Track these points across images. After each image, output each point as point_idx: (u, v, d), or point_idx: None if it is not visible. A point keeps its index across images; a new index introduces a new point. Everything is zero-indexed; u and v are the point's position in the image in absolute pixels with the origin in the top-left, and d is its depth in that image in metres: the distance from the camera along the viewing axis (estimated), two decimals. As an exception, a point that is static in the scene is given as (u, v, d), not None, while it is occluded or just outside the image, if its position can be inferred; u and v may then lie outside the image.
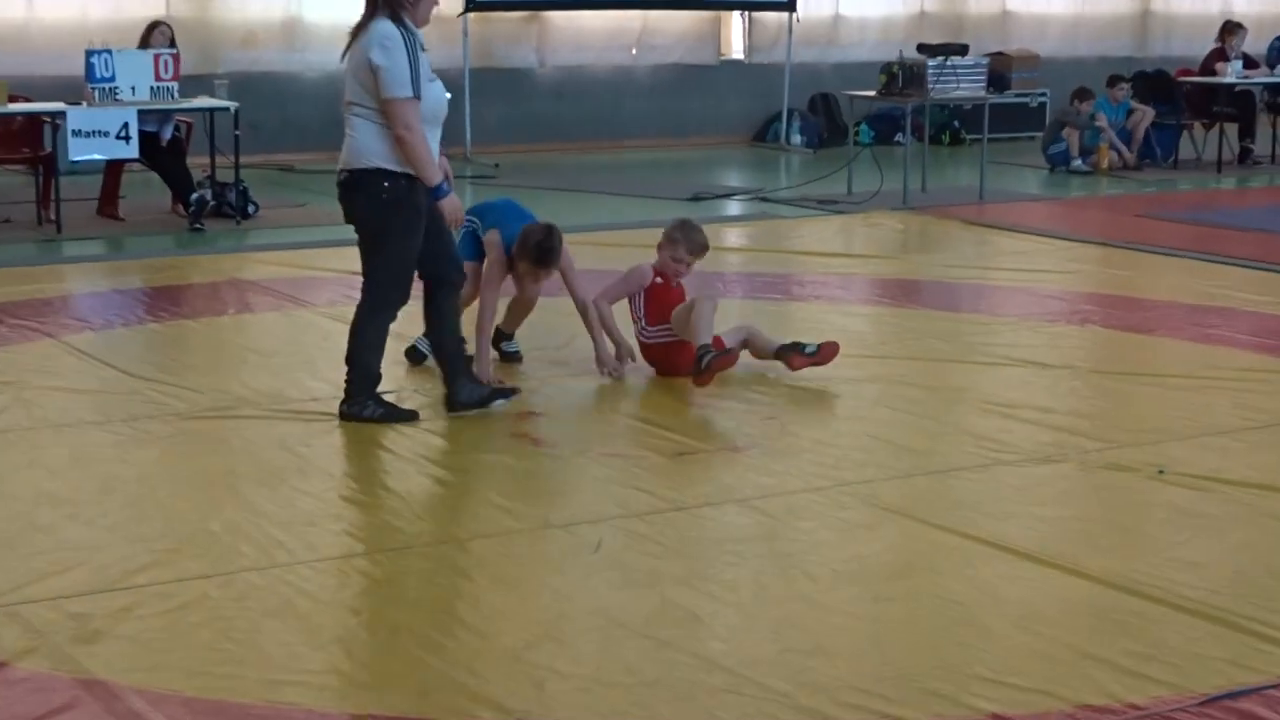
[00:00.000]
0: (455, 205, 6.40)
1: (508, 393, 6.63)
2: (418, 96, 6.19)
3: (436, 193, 6.29)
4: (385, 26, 6.20)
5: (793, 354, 7.08)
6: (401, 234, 6.34)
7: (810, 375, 7.17)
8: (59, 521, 5.26)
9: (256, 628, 4.40)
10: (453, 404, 6.54)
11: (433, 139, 6.35)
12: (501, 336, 7.48)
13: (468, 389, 6.53)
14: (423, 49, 6.30)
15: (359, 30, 6.29)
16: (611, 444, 6.28)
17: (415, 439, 6.28)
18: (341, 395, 6.51)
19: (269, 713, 3.88)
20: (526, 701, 3.95)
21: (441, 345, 6.62)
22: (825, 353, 7.07)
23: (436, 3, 6.43)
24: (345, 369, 6.51)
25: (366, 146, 6.28)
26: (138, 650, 4.23)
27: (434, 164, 6.28)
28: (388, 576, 4.85)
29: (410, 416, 6.50)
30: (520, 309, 7.40)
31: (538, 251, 7.01)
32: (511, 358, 7.52)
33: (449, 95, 6.59)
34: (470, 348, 6.79)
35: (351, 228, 6.48)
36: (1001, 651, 4.26)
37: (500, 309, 7.31)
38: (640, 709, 3.91)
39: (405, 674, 4.12)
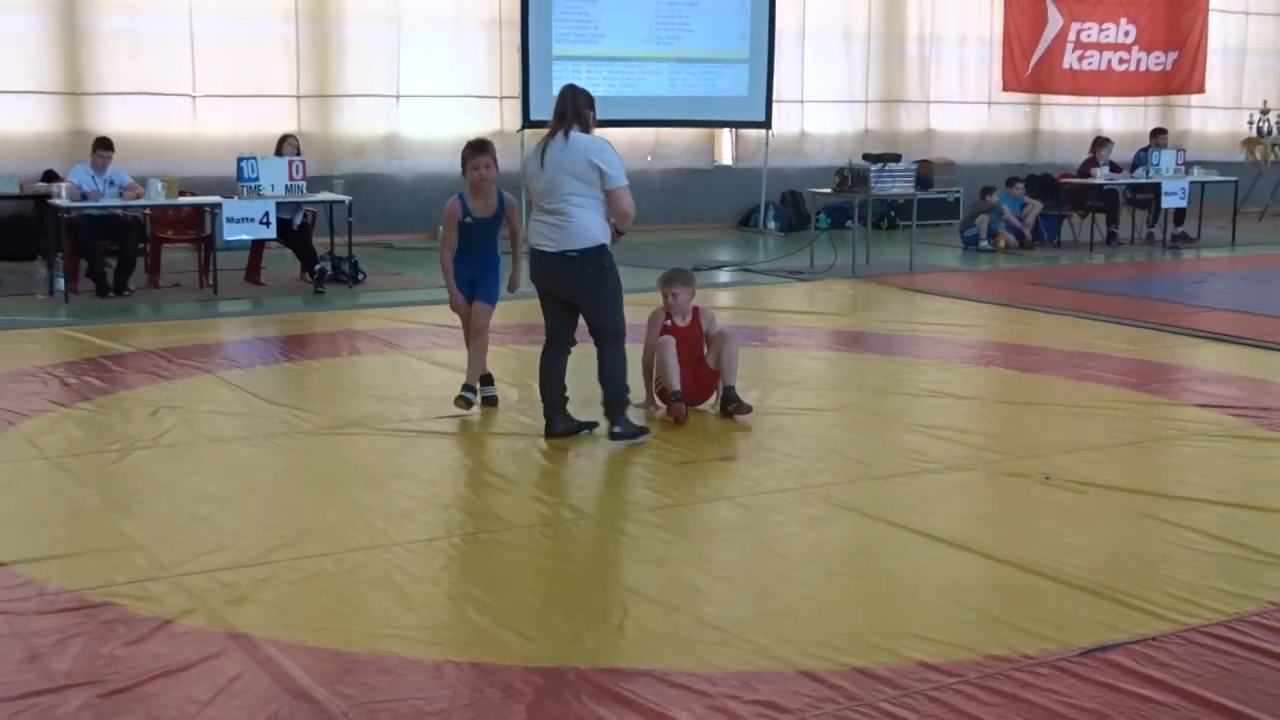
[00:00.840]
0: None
1: (591, 425, 6.53)
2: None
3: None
4: (591, 138, 6.18)
5: (725, 408, 6.90)
6: (618, 286, 6.36)
7: (781, 403, 7.17)
8: (214, 513, 5.26)
9: (363, 595, 4.39)
10: (551, 433, 6.45)
11: None
12: (485, 381, 7.11)
13: (564, 422, 6.47)
14: None
15: (551, 140, 6.20)
16: (631, 455, 6.26)
17: (483, 452, 6.27)
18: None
19: (371, 659, 3.87)
20: (565, 651, 3.93)
21: (547, 388, 6.48)
22: (741, 410, 6.86)
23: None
24: (605, 407, 6.40)
25: (589, 228, 6.19)
26: (273, 611, 4.23)
27: None
28: (461, 555, 4.84)
29: (644, 432, 6.40)
30: (478, 350, 7.01)
31: (473, 145, 6.87)
32: (490, 402, 7.07)
33: None
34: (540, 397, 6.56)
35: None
36: (927, 614, 4.23)
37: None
38: (653, 657, 3.89)
39: (474, 631, 4.11)
